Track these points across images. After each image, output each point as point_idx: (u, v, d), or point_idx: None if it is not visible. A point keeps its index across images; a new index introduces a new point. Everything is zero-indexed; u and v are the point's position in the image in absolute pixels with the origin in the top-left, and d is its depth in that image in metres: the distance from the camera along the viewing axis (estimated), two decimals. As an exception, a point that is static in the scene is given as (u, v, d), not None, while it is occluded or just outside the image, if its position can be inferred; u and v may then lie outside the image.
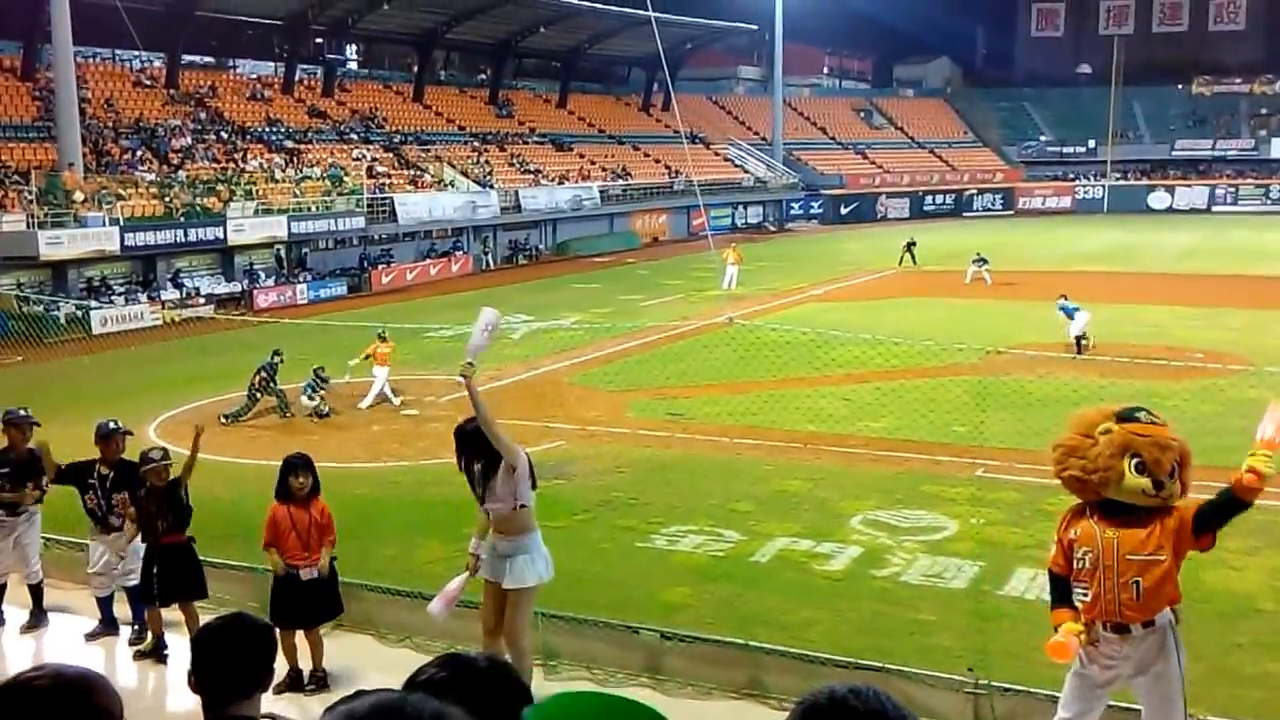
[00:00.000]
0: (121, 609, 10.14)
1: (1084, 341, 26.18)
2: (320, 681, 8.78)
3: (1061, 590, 6.40)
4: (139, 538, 9.69)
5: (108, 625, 10.01)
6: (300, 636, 8.89)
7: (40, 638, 10.18)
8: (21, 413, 10.27)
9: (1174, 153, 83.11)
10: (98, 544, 9.95)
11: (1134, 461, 6.02)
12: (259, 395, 21.47)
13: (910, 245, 47.47)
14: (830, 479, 16.44)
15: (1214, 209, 77.41)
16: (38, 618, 10.30)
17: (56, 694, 2.43)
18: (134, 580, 9.81)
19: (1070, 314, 26.66)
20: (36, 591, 10.37)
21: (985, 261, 39.91)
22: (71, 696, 2.44)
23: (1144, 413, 6.25)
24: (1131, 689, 6.57)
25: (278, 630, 8.48)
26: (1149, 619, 6.14)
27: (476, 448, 8.04)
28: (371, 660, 8.99)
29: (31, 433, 10.22)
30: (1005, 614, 10.91)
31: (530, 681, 7.96)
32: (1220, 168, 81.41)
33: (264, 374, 21.48)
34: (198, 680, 3.44)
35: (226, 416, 21.07)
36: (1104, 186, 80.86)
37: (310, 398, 21.60)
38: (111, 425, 9.97)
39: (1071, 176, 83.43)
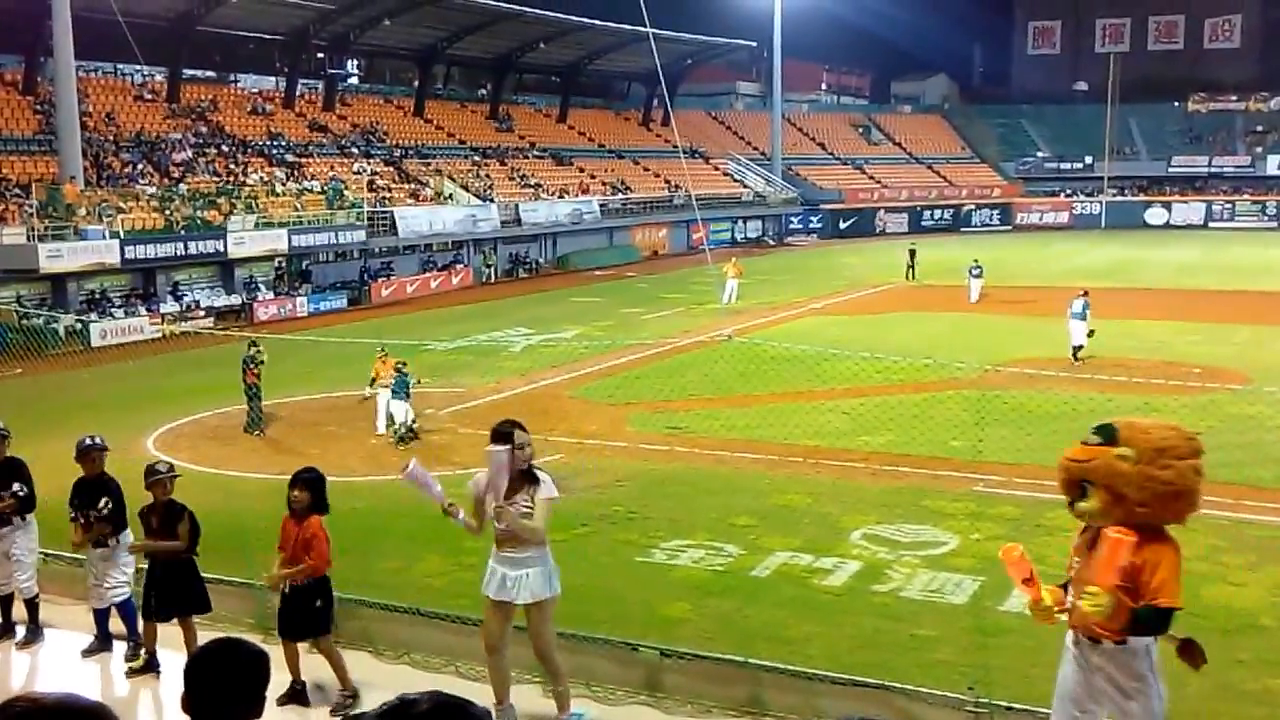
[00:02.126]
0: (117, 625, 10.08)
1: (1080, 351, 26.30)
2: (347, 698, 8.68)
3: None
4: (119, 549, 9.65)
5: (103, 641, 9.94)
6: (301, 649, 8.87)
7: (36, 653, 10.09)
8: None
9: (1170, 169, 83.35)
10: (87, 558, 9.87)
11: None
12: (256, 388, 21.40)
13: (911, 253, 47.65)
14: (830, 493, 16.42)
15: (1210, 225, 77.60)
16: (33, 633, 10.19)
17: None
18: (122, 595, 9.73)
19: (1080, 315, 26.72)
20: (32, 606, 10.22)
21: (980, 272, 39.59)
22: None
23: (1090, 432, 6.05)
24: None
25: (282, 643, 8.61)
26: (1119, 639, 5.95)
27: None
28: (369, 677, 8.93)
29: (6, 446, 9.97)
30: (1006, 630, 10.88)
31: (569, 703, 7.92)
32: (1216, 184, 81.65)
33: (252, 367, 21.33)
34: (190, 706, 3.38)
35: (256, 431, 21.19)
36: (1101, 202, 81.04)
37: (402, 399, 20.54)
38: (89, 441, 9.73)
39: (1069, 192, 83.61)
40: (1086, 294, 27.48)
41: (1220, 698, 9.21)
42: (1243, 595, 11.93)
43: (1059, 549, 12.96)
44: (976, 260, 40.23)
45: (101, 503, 9.47)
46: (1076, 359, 26.29)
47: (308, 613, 8.74)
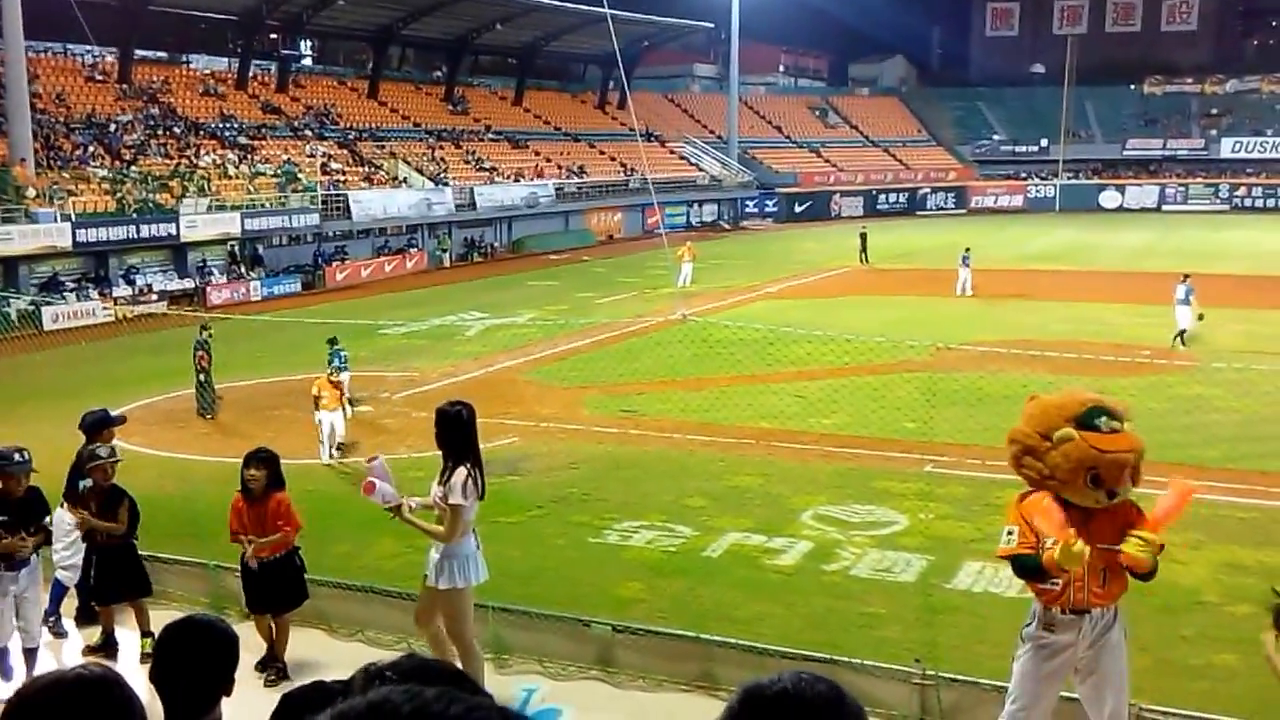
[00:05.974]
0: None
1: (1185, 334, 26.49)
2: (280, 672, 8.82)
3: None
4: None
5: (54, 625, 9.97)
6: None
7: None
8: (16, 458, 8.71)
9: (1125, 152, 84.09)
10: None
11: (1090, 475, 5.94)
12: (206, 374, 21.26)
13: (862, 237, 47.83)
14: (782, 475, 16.56)
15: (1164, 208, 78.43)
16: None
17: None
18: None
19: (1184, 300, 26.88)
20: (31, 657, 9.01)
21: (969, 260, 36.85)
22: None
23: (1104, 418, 6.06)
24: (1077, 673, 6.55)
25: (254, 617, 8.84)
26: (1109, 603, 6.21)
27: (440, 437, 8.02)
28: (324, 654, 9.00)
29: (28, 477, 8.80)
30: (953, 607, 11.05)
31: (482, 678, 8.04)
32: (1171, 167, 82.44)
33: (201, 351, 21.21)
34: (158, 684, 3.39)
35: (208, 414, 21.11)
36: (1056, 185, 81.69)
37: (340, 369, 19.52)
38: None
39: (1024, 175, 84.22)
40: (1188, 278, 27.42)
41: (1163, 673, 9.38)
42: (1187, 573, 12.12)
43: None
44: (968, 248, 37.33)
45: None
46: (1183, 344, 26.28)
47: (283, 585, 9.01)
